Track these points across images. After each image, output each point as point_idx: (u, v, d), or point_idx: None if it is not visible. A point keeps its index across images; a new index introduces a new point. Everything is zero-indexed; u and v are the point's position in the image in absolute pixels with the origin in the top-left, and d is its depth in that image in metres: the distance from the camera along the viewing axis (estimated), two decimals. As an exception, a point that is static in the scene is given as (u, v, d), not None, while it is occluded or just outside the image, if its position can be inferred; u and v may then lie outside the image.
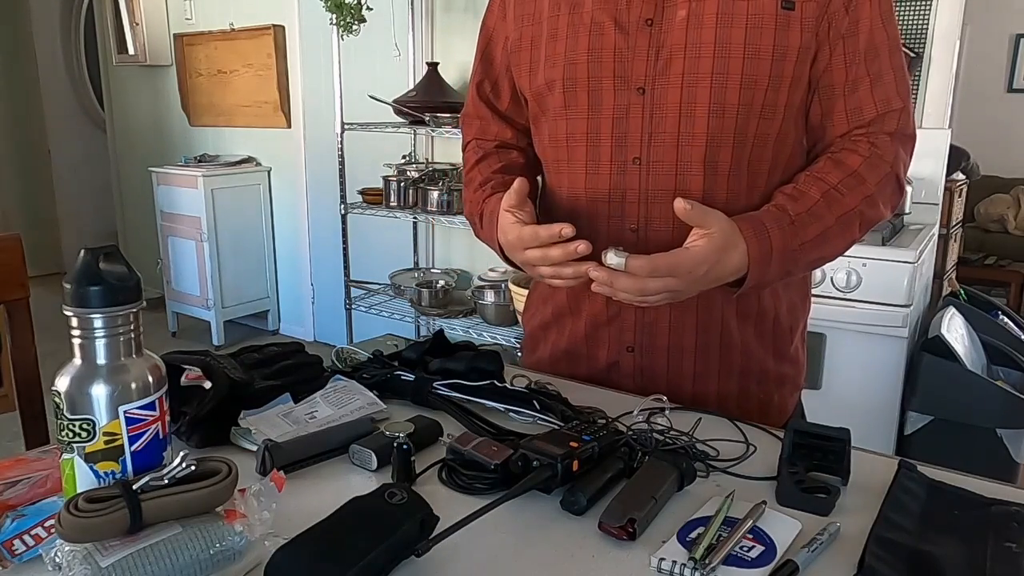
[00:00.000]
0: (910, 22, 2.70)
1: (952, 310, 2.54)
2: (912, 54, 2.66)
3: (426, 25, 3.48)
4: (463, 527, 0.63)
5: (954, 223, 3.08)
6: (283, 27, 4.04)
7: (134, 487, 0.59)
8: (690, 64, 0.91)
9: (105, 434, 0.63)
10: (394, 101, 3.17)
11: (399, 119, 3.25)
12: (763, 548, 0.66)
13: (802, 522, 0.70)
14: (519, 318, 1.28)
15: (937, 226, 2.77)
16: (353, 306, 3.48)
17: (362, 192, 3.44)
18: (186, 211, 4.13)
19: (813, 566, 0.64)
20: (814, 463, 0.78)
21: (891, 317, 2.31)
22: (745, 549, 0.65)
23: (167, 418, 0.68)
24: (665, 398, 0.97)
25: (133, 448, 0.65)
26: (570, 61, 0.97)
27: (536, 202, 1.08)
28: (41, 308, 1.37)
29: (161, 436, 0.67)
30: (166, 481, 0.61)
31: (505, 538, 0.68)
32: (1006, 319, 2.71)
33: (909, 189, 2.54)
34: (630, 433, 0.85)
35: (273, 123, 4.19)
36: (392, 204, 3.26)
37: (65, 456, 0.64)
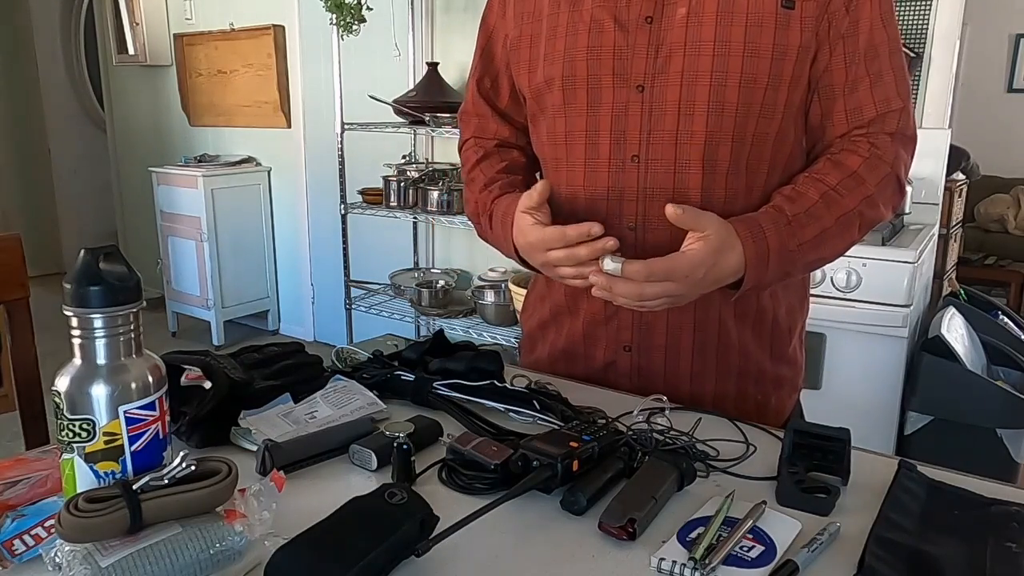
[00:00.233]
0: (910, 22, 2.70)
1: (952, 310, 2.54)
2: (912, 54, 2.66)
3: (426, 25, 3.48)
4: (463, 527, 0.63)
5: (954, 223, 3.08)
6: (283, 27, 4.04)
7: (134, 487, 0.59)
8: (689, 62, 0.91)
9: (105, 434, 0.63)
10: (394, 101, 3.17)
11: (399, 119, 3.25)
12: (763, 548, 0.66)
13: (802, 522, 0.70)
14: (519, 318, 1.28)
15: (937, 226, 2.77)
16: (353, 306, 3.48)
17: (362, 192, 3.44)
18: (186, 211, 4.13)
19: (813, 566, 0.64)
20: (814, 463, 0.78)
21: (891, 317, 2.31)
22: (745, 549, 0.65)
23: (167, 418, 0.68)
24: (665, 398, 0.97)
25: (133, 448, 0.65)
26: (569, 58, 0.97)
27: None
28: (41, 308, 1.37)
29: (161, 436, 0.67)
30: (166, 481, 0.61)
31: (505, 538, 0.68)
32: (1006, 319, 2.71)
33: (909, 189, 2.54)
34: (630, 433, 0.85)
35: (273, 123, 4.19)
36: (392, 204, 3.26)
37: (65, 456, 0.64)
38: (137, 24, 4.51)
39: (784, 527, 0.69)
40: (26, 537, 0.64)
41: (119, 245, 2.30)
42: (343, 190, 3.38)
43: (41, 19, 5.46)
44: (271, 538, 0.62)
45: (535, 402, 0.92)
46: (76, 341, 0.64)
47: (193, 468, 0.62)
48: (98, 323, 0.63)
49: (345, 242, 3.44)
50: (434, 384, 0.95)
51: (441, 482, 0.78)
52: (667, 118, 0.93)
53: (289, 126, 4.15)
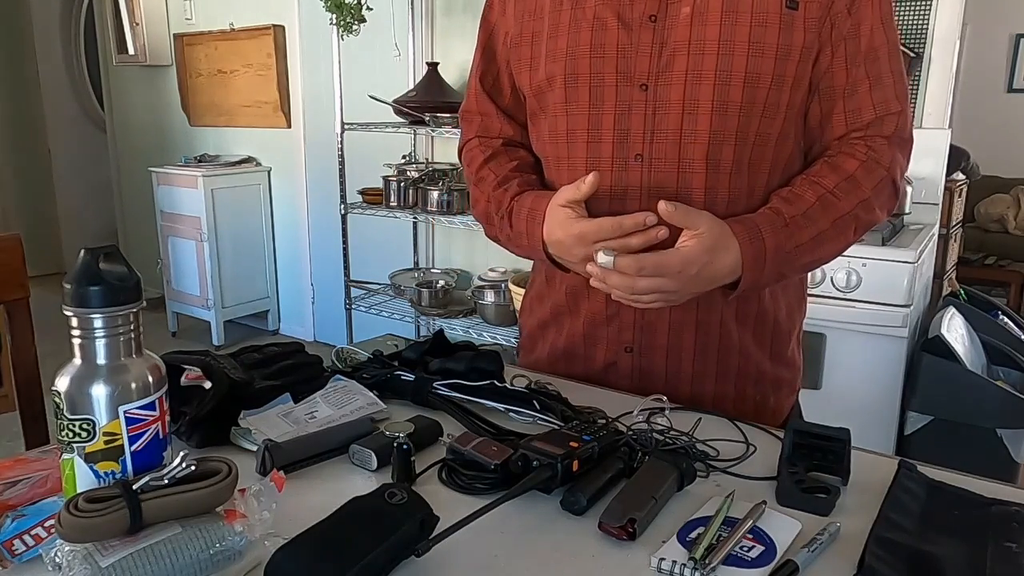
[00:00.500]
0: (910, 22, 2.70)
1: (952, 310, 2.54)
2: (912, 54, 2.66)
3: (426, 25, 3.48)
4: (463, 527, 0.63)
5: (954, 223, 3.08)
6: (283, 27, 4.04)
7: (134, 487, 0.59)
8: (694, 61, 0.91)
9: (105, 434, 0.63)
10: (394, 101, 3.17)
11: (399, 119, 3.25)
12: (763, 548, 0.66)
13: (802, 522, 0.70)
14: (518, 318, 1.27)
15: (937, 226, 2.77)
16: (353, 306, 3.48)
17: (362, 192, 3.44)
18: (186, 211, 4.13)
19: (813, 566, 0.64)
20: (814, 463, 0.78)
21: (891, 317, 2.31)
22: (745, 549, 0.65)
23: (167, 418, 0.68)
24: (665, 398, 0.97)
25: (133, 448, 0.65)
26: (572, 56, 0.96)
27: None
28: (41, 308, 1.36)
29: (161, 436, 0.67)
30: (166, 481, 0.61)
31: (505, 538, 0.68)
32: (1006, 319, 2.71)
33: (909, 189, 2.55)
34: (630, 433, 0.85)
35: (273, 123, 4.19)
36: (392, 204, 3.26)
37: (65, 456, 0.64)
38: (137, 24, 4.51)
39: (784, 527, 0.69)
40: (26, 537, 0.64)
41: (119, 245, 2.30)
42: (343, 190, 3.38)
43: (41, 19, 5.46)
44: (271, 538, 0.62)
45: (535, 402, 0.92)
46: (76, 341, 0.64)
47: (193, 468, 0.62)
48: (98, 323, 0.63)
49: (345, 242, 3.44)
50: (434, 384, 0.95)
51: (441, 482, 0.78)
52: (671, 117, 0.93)
53: (289, 126, 4.15)
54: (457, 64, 3.39)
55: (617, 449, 0.79)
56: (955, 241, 3.23)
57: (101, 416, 0.63)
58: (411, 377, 0.97)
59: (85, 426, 0.63)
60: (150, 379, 0.66)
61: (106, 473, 0.64)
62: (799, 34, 0.91)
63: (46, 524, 0.64)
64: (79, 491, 0.63)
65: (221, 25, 4.28)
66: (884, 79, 0.95)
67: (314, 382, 0.94)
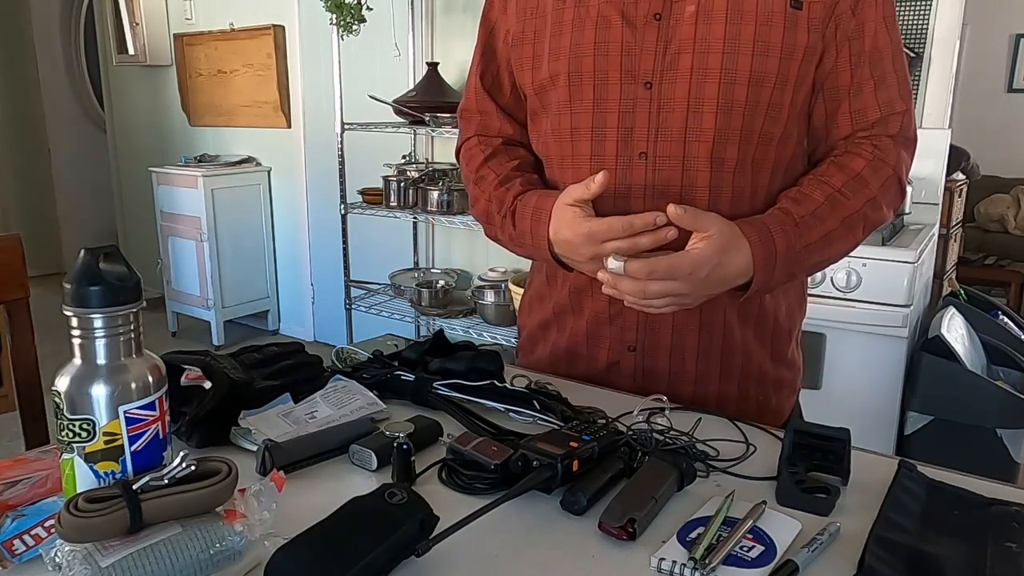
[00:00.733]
0: (910, 22, 2.70)
1: (952, 310, 2.54)
2: (912, 54, 2.66)
3: (426, 25, 3.48)
4: (463, 527, 0.63)
5: (954, 223, 3.08)
6: (283, 27, 4.04)
7: (134, 487, 0.59)
8: (699, 59, 0.91)
9: (105, 434, 0.63)
10: (394, 101, 3.17)
11: (399, 119, 3.25)
12: (763, 548, 0.66)
13: (802, 522, 0.70)
14: (517, 319, 1.27)
15: (937, 226, 2.78)
16: (353, 306, 3.48)
17: (362, 192, 3.44)
18: (186, 211, 4.13)
19: (813, 566, 0.64)
20: (814, 463, 0.78)
21: (891, 317, 2.31)
22: (745, 549, 0.65)
23: (167, 418, 0.68)
24: (665, 398, 0.96)
25: (133, 448, 0.65)
26: (575, 54, 0.96)
27: None
28: (41, 308, 1.37)
29: (161, 436, 0.67)
30: (166, 481, 0.61)
31: (505, 538, 0.68)
32: (1006, 319, 2.71)
33: (909, 189, 2.54)
34: (630, 433, 0.85)
35: (273, 123, 4.19)
36: (392, 204, 3.26)
37: (65, 456, 0.64)
38: (137, 24, 4.51)
39: (784, 527, 0.69)
40: (26, 537, 0.64)
41: (119, 245, 2.29)
42: (343, 190, 3.38)
43: (41, 19, 5.46)
44: (271, 538, 0.62)
45: (535, 402, 0.92)
46: (76, 341, 0.64)
47: (193, 468, 0.62)
48: (98, 323, 0.63)
49: (345, 242, 3.44)
50: (434, 384, 0.95)
51: (441, 482, 0.78)
52: (675, 115, 0.93)
53: (289, 126, 4.15)
54: (457, 64, 3.39)
55: (617, 449, 0.79)
56: (955, 241, 3.23)
57: (101, 416, 0.63)
58: (411, 377, 0.97)
59: (85, 426, 0.63)
60: (150, 379, 0.66)
61: (106, 473, 0.64)
62: (803, 34, 0.91)
63: (46, 524, 0.64)
64: (79, 491, 0.63)
65: (221, 25, 4.28)
66: (888, 79, 0.95)
67: (314, 382, 0.94)
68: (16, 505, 0.68)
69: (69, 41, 5.61)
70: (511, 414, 0.92)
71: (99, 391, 0.63)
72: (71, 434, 0.63)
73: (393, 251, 3.72)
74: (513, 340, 2.91)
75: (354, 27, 3.13)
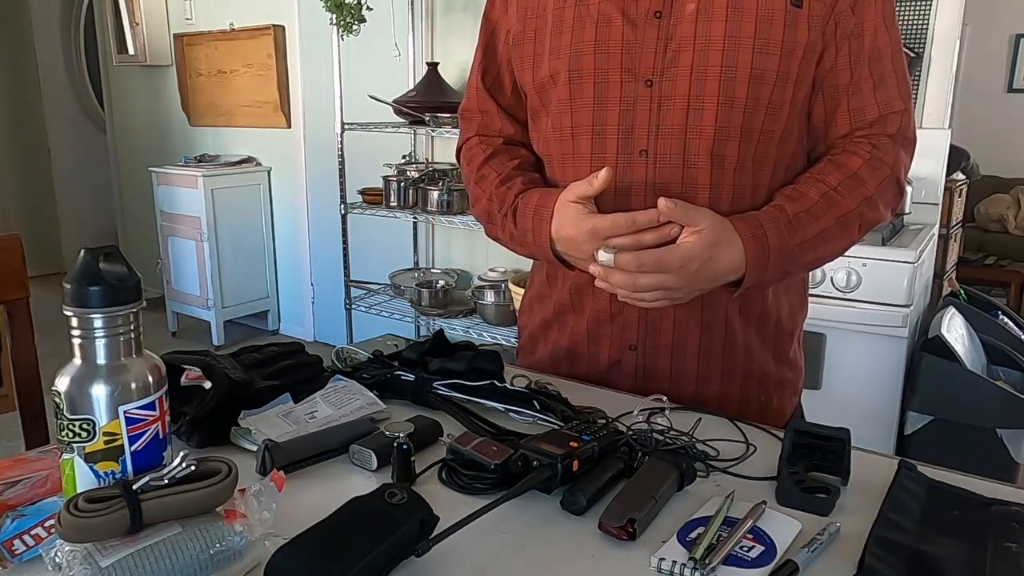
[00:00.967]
0: (910, 22, 2.70)
1: (952, 310, 2.54)
2: (912, 54, 2.66)
3: (426, 25, 3.48)
4: (463, 527, 0.63)
5: (954, 223, 3.08)
6: (283, 27, 4.04)
7: (134, 487, 0.59)
8: (699, 57, 0.91)
9: (105, 434, 0.63)
10: (394, 101, 3.17)
11: (399, 119, 3.25)
12: (763, 548, 0.66)
13: (802, 522, 0.70)
14: (517, 319, 1.27)
15: (937, 226, 2.78)
16: (353, 306, 3.48)
17: (362, 192, 3.44)
18: (186, 211, 4.13)
19: (813, 566, 0.64)
20: (814, 463, 0.78)
21: (891, 317, 2.31)
22: (745, 549, 0.65)
23: (167, 418, 0.68)
24: (665, 398, 0.96)
25: (133, 448, 0.65)
26: (576, 53, 0.96)
27: None
28: (41, 308, 1.37)
29: (161, 436, 0.67)
30: (166, 481, 0.61)
31: (505, 538, 0.68)
32: (1006, 319, 2.71)
33: (909, 190, 2.54)
34: (630, 433, 0.85)
35: (273, 123, 4.19)
36: (392, 204, 3.26)
37: (65, 456, 0.64)
38: (137, 24, 4.51)
39: (784, 527, 0.69)
40: (26, 537, 0.64)
41: (119, 245, 2.30)
42: (343, 190, 3.38)
43: (41, 19, 5.46)
44: (271, 538, 0.62)
45: (535, 402, 0.92)
46: (76, 341, 0.64)
47: (193, 468, 0.62)
48: (98, 323, 0.63)
49: (345, 242, 3.44)
50: (434, 384, 0.95)
51: (441, 482, 0.78)
52: (675, 112, 0.93)
53: (289, 126, 4.15)
54: (457, 64, 3.39)
55: (617, 449, 0.79)
56: (955, 241, 3.23)
57: (101, 416, 0.63)
58: (411, 377, 0.97)
59: (85, 426, 0.63)
60: (150, 379, 0.66)
61: (106, 473, 0.64)
62: (803, 32, 0.91)
63: (46, 524, 0.64)
64: (79, 491, 0.63)
65: (221, 25, 4.28)
66: (887, 78, 0.95)
67: (314, 382, 0.94)
68: (16, 505, 0.68)
69: (69, 41, 5.61)
70: (511, 414, 0.92)
71: (99, 391, 0.63)
72: (71, 434, 0.63)
73: (393, 251, 3.72)
74: (513, 340, 2.91)
75: (354, 27, 3.13)
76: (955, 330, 2.46)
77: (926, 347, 2.36)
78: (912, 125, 0.98)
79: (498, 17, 1.09)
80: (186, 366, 0.90)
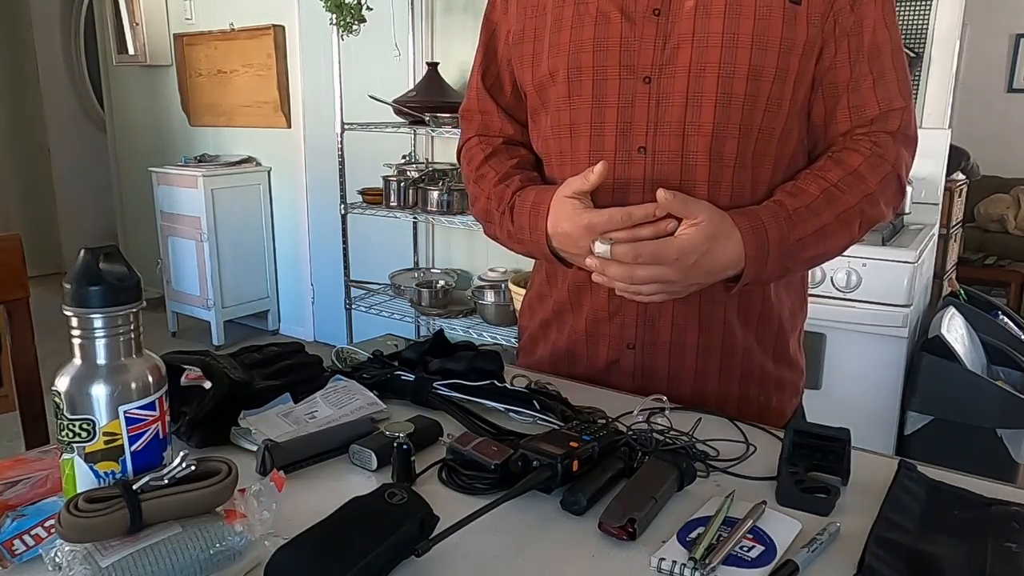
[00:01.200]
0: (910, 22, 2.70)
1: (952, 310, 2.54)
2: (912, 54, 2.66)
3: (426, 25, 3.48)
4: (463, 527, 0.63)
5: (954, 223, 3.08)
6: (283, 27, 4.04)
7: (134, 487, 0.59)
8: (697, 54, 0.91)
9: (105, 434, 0.63)
10: (394, 101, 3.17)
11: (399, 119, 3.25)
12: (763, 548, 0.66)
13: (802, 522, 0.70)
14: (518, 320, 1.27)
15: (937, 226, 2.78)
16: (353, 306, 3.48)
17: (362, 192, 3.44)
18: (186, 211, 4.13)
19: (813, 566, 0.64)
20: (814, 463, 0.78)
21: (891, 317, 2.31)
22: (745, 549, 0.65)
23: (167, 418, 0.68)
24: (665, 398, 0.96)
25: (133, 448, 0.65)
26: (575, 50, 0.96)
27: None
28: (41, 308, 1.36)
29: (161, 436, 0.67)
30: (166, 481, 0.61)
31: (505, 538, 0.68)
32: (1006, 319, 2.71)
33: (909, 189, 2.54)
34: (630, 433, 0.85)
35: (273, 123, 4.19)
36: (392, 204, 3.26)
37: (65, 456, 0.64)
38: (137, 24, 4.51)
39: (784, 527, 0.69)
40: (26, 537, 0.64)
41: (119, 245, 2.30)
42: (343, 190, 3.38)
43: (41, 19, 5.46)
44: (271, 538, 0.62)
45: (535, 402, 0.92)
46: (76, 341, 0.64)
47: (193, 468, 0.62)
48: (98, 323, 0.63)
49: (345, 242, 3.44)
50: (434, 384, 0.95)
51: (441, 482, 0.78)
52: (674, 109, 0.93)
53: (289, 126, 4.15)
54: (457, 64, 3.39)
55: (617, 449, 0.79)
56: (955, 241, 3.23)
57: (101, 416, 0.63)
58: (411, 377, 0.97)
59: (85, 426, 0.63)
60: (150, 379, 0.66)
61: (106, 473, 0.64)
62: (802, 29, 0.91)
63: (46, 524, 0.64)
64: (79, 491, 0.63)
65: (221, 25, 4.28)
66: (887, 75, 0.95)
67: (314, 382, 0.94)
68: (16, 505, 0.68)
69: (69, 41, 5.61)
70: (511, 414, 0.92)
71: (99, 391, 0.63)
72: (71, 434, 0.63)
73: (393, 251, 3.72)
74: (513, 340, 2.91)
75: (354, 27, 3.13)
76: (955, 330, 2.46)
77: (926, 347, 2.36)
78: (913, 123, 0.98)
79: (499, 18, 1.09)
80: (186, 366, 0.90)
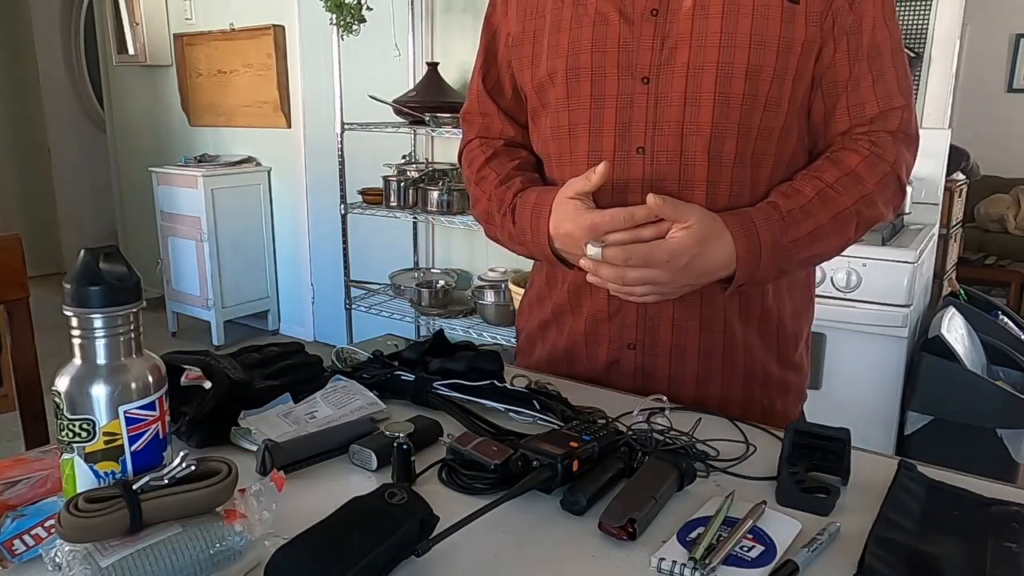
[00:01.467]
0: (910, 22, 2.70)
1: (952, 310, 2.54)
2: (912, 54, 2.66)
3: (426, 25, 3.48)
4: (463, 527, 0.63)
5: (954, 223, 3.08)
6: (283, 27, 4.04)
7: (134, 487, 0.59)
8: (695, 54, 0.91)
9: (105, 434, 0.63)
10: (394, 101, 3.17)
11: (399, 119, 3.25)
12: (763, 548, 0.66)
13: (802, 522, 0.70)
14: (516, 321, 1.27)
15: (937, 226, 2.78)
16: (353, 306, 3.48)
17: (362, 192, 3.44)
18: (186, 211, 4.13)
19: (813, 566, 0.64)
20: (814, 463, 0.78)
21: (891, 317, 2.31)
22: (745, 549, 0.65)
23: (167, 418, 0.68)
24: (665, 398, 0.96)
25: (133, 448, 0.65)
26: (574, 51, 0.97)
27: None
28: (41, 308, 1.37)
29: (161, 436, 0.67)
30: (166, 481, 0.61)
31: (505, 538, 0.68)
32: (1006, 319, 2.71)
33: (909, 189, 2.54)
34: (630, 433, 0.85)
35: (273, 123, 4.19)
36: (392, 204, 3.26)
37: (65, 456, 0.64)
38: (137, 24, 4.51)
39: (784, 527, 0.69)
40: (26, 537, 0.64)
41: (119, 245, 2.30)
42: (343, 190, 3.38)
43: (41, 19, 5.46)
44: (271, 538, 0.62)
45: (535, 402, 0.92)
46: (76, 341, 0.64)
47: (193, 468, 0.62)
48: (98, 323, 0.63)
49: (345, 242, 3.44)
50: (434, 384, 0.95)
51: (441, 482, 0.78)
52: (672, 109, 0.93)
53: (289, 126, 4.15)
54: (457, 64, 3.39)
55: (617, 449, 0.79)
56: (955, 241, 3.23)
57: (101, 416, 0.63)
58: (411, 377, 0.97)
59: (85, 426, 0.63)
60: (150, 379, 0.66)
61: (106, 473, 0.64)
62: (800, 28, 0.91)
63: (46, 524, 0.64)
64: (79, 491, 0.63)
65: (221, 25, 4.28)
66: (887, 74, 0.95)
67: (314, 382, 0.94)
68: (16, 505, 0.68)
69: (69, 41, 5.61)
70: (511, 414, 0.92)
71: (99, 391, 0.63)
72: (71, 434, 0.63)
73: (393, 251, 3.72)
74: (513, 340, 2.91)
75: (354, 27, 3.13)
76: (955, 330, 2.46)
77: (926, 347, 2.36)
78: (914, 122, 0.98)
79: (499, 21, 1.09)
80: (186, 366, 0.90)
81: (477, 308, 3.19)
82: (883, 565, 0.62)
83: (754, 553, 0.65)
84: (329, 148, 3.61)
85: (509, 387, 0.96)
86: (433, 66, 3.26)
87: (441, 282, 3.38)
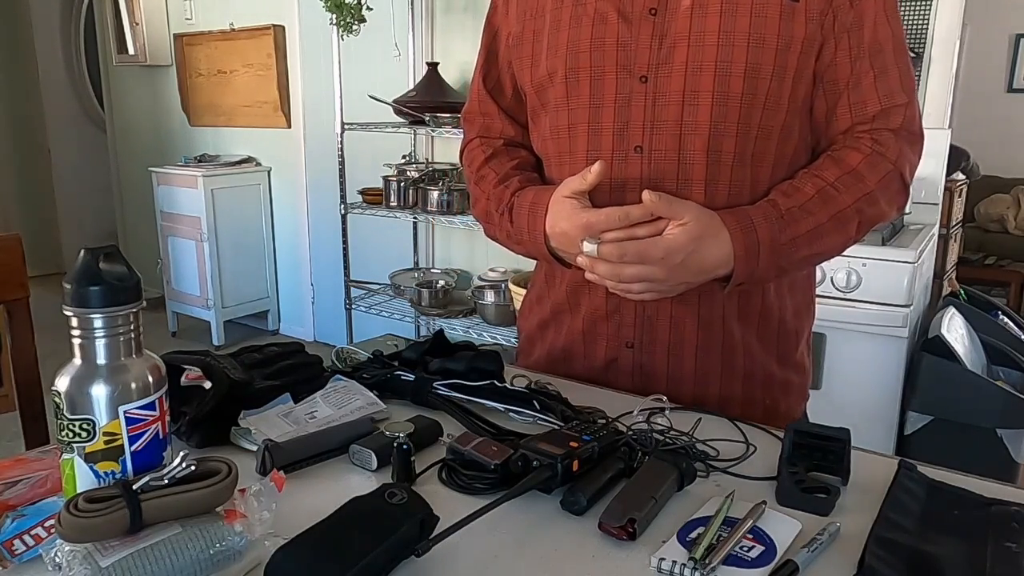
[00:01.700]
0: (910, 22, 2.70)
1: (952, 310, 2.54)
2: (912, 54, 2.66)
3: (426, 25, 3.48)
4: (463, 527, 0.63)
5: (954, 223, 3.08)
6: (283, 27, 4.04)
7: (134, 487, 0.59)
8: (694, 52, 0.91)
9: (105, 434, 0.63)
10: (394, 101, 3.17)
11: (399, 119, 3.25)
12: (763, 548, 0.66)
13: (802, 522, 0.70)
14: (517, 321, 1.27)
15: (937, 226, 2.78)
16: (353, 306, 3.48)
17: (362, 192, 3.44)
18: (186, 211, 4.13)
19: (813, 566, 0.64)
20: (814, 463, 0.78)
21: (891, 317, 2.31)
22: (745, 549, 0.65)
23: (167, 418, 0.68)
24: (665, 398, 0.96)
25: (133, 448, 0.65)
26: (573, 50, 0.97)
27: None
28: (41, 308, 1.37)
29: (161, 436, 0.67)
30: (166, 481, 0.61)
31: (505, 538, 0.68)
32: (1006, 319, 2.71)
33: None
34: (630, 433, 0.85)
35: (273, 123, 4.19)
36: (392, 204, 3.26)
37: (65, 456, 0.64)
38: (137, 24, 4.51)
39: (784, 527, 0.69)
40: (26, 537, 0.64)
41: (119, 245, 2.29)
42: (343, 190, 3.38)
43: (41, 19, 5.46)
44: (271, 538, 0.62)
45: (535, 402, 0.92)
46: (76, 341, 0.64)
47: (193, 468, 0.62)
48: (98, 323, 0.63)
49: (345, 242, 3.44)
50: (434, 384, 0.95)
51: (441, 482, 0.78)
52: (671, 108, 0.93)
53: (289, 126, 4.15)
54: (457, 64, 3.39)
55: (617, 449, 0.79)
56: (955, 241, 3.23)
57: (101, 416, 0.63)
58: (411, 377, 0.97)
59: (85, 426, 0.63)
60: (150, 379, 0.66)
61: (106, 473, 0.64)
62: (800, 26, 0.91)
63: (46, 524, 0.64)
64: (79, 491, 0.63)
65: (221, 25, 4.28)
66: (889, 71, 0.94)
67: (314, 382, 0.94)
68: (16, 505, 0.68)
69: (69, 41, 5.61)
70: (511, 414, 0.92)
71: (99, 391, 0.63)
72: (71, 434, 0.63)
73: (393, 251, 3.72)
74: (513, 340, 2.91)
75: (354, 27, 3.13)
76: (955, 330, 2.46)
77: (926, 347, 2.36)
78: (917, 119, 0.97)
79: (500, 21, 1.09)
80: (186, 366, 0.90)
81: (477, 308, 3.19)
82: (883, 565, 0.62)
83: (754, 553, 0.65)
84: (329, 148, 3.61)
85: (509, 387, 0.96)
86: (433, 66, 3.26)
87: (441, 282, 3.38)
